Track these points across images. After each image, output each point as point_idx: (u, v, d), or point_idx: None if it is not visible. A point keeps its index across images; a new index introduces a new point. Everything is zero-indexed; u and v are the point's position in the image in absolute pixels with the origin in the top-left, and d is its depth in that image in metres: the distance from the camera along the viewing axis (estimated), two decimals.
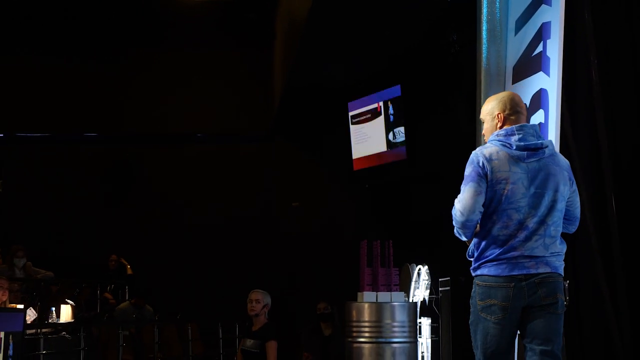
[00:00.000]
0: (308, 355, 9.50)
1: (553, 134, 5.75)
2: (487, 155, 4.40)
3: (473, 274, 4.46)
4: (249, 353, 7.62)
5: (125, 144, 15.52)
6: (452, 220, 4.44)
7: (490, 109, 4.63)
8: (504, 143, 4.44)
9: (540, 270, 4.33)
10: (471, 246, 4.47)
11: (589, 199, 6.06)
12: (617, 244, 6.00)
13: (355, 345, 6.86)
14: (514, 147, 4.42)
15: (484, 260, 4.40)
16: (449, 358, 7.74)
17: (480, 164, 4.38)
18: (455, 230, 4.46)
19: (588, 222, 6.03)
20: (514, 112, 4.58)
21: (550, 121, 5.81)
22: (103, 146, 15.59)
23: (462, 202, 4.36)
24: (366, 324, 6.84)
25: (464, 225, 4.39)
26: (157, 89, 15.29)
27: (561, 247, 4.43)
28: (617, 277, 5.98)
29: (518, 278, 4.33)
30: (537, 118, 6.01)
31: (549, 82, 5.91)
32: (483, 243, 4.41)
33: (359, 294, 7.06)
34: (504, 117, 4.56)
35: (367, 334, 6.83)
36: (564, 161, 4.55)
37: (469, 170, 4.41)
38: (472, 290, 4.44)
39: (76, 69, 15.27)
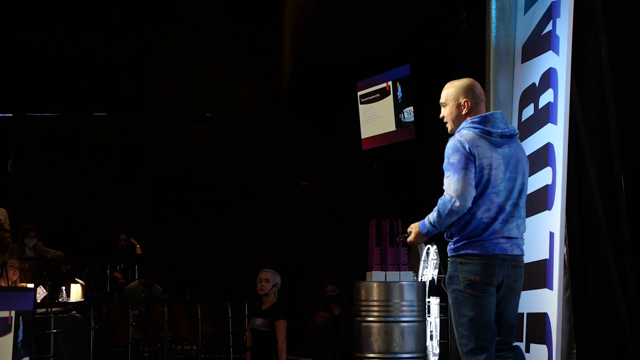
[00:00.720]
0: (322, 314, 9.50)
1: (562, 113, 5.73)
2: (470, 142, 4.53)
3: (454, 254, 4.61)
4: (258, 332, 7.65)
5: (135, 124, 15.53)
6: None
7: (454, 95, 4.73)
8: (482, 130, 4.59)
9: (515, 252, 4.70)
10: (453, 228, 4.60)
11: (598, 178, 6.04)
12: (626, 224, 5.98)
13: (364, 324, 6.86)
14: (494, 134, 4.61)
15: (468, 241, 4.57)
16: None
17: (468, 150, 4.51)
18: (438, 222, 4.56)
19: (597, 202, 6.01)
20: (479, 100, 4.74)
21: (559, 100, 5.79)
22: (112, 126, 15.60)
23: (459, 192, 4.46)
24: (375, 303, 6.84)
25: (458, 214, 4.51)
26: (167, 68, 15.29)
27: (524, 229, 4.78)
28: (627, 258, 5.96)
29: (501, 257, 4.61)
30: (546, 97, 5.99)
31: (559, 61, 5.89)
32: (467, 225, 4.57)
33: (367, 273, 7.06)
34: (471, 105, 4.69)
35: (375, 314, 6.83)
36: (522, 147, 4.88)
37: (456, 157, 4.51)
38: (451, 270, 4.61)
39: (86, 48, 15.28)
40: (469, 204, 4.49)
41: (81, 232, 14.57)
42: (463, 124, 4.68)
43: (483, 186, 4.54)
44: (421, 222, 4.67)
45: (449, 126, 4.80)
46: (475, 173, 4.51)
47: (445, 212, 4.49)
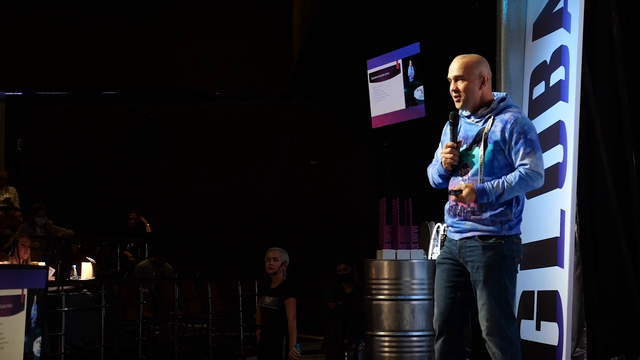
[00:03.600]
0: (334, 304, 9.54)
1: (574, 91, 5.72)
2: None
3: (511, 232, 4.44)
4: (268, 310, 7.66)
5: (144, 102, 15.55)
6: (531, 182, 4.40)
7: (476, 68, 4.54)
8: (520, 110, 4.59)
9: None
10: (510, 206, 4.44)
11: (609, 156, 6.04)
12: (637, 201, 5.99)
13: (375, 302, 6.88)
14: None
15: (520, 221, 4.51)
16: None
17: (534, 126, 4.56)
18: (506, 193, 4.39)
19: (607, 179, 6.01)
20: (491, 78, 4.64)
21: (570, 78, 5.77)
22: (122, 104, 15.63)
23: (543, 172, 4.43)
24: (385, 281, 6.86)
25: (541, 185, 4.48)
26: (176, 47, 15.29)
27: None
28: (637, 235, 5.96)
29: None
30: (557, 75, 5.98)
31: (570, 38, 5.86)
32: (523, 203, 4.53)
33: (378, 251, 7.07)
34: (489, 81, 4.59)
35: (386, 292, 6.84)
36: None
37: (534, 135, 4.49)
38: (506, 249, 4.42)
39: (96, 26, 15.28)
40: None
41: (91, 211, 14.61)
42: (508, 101, 4.57)
43: None
44: (481, 186, 4.41)
45: (462, 101, 4.55)
46: None
47: (527, 187, 4.39)
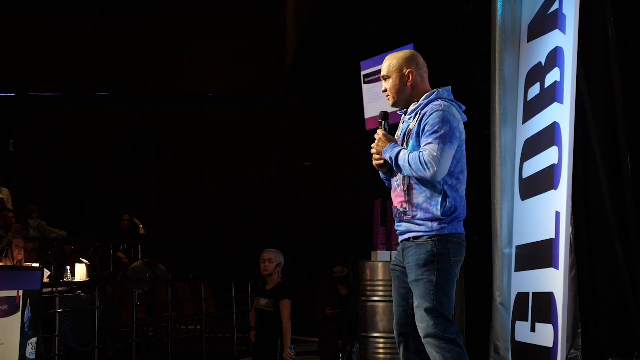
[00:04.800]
0: (332, 310, 9.53)
1: (569, 93, 5.71)
2: (456, 116, 4.43)
3: (444, 232, 4.36)
4: (263, 312, 7.65)
5: (139, 103, 15.54)
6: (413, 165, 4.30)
7: (398, 66, 4.51)
8: (456, 104, 4.51)
9: None
10: (438, 206, 4.35)
11: (604, 158, 6.03)
12: (632, 203, 5.97)
13: (370, 304, 6.89)
14: (462, 109, 4.55)
15: (455, 219, 4.41)
16: (462, 314, 7.76)
17: (455, 124, 4.39)
18: (400, 166, 4.35)
19: (602, 181, 6.01)
20: (424, 72, 4.60)
21: (566, 80, 5.76)
22: (116, 105, 15.61)
23: (442, 163, 4.27)
24: (380, 283, 6.87)
25: (425, 181, 4.34)
26: (172, 47, 15.30)
27: None
28: (632, 237, 5.96)
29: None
30: (552, 77, 5.97)
31: (565, 40, 5.85)
32: (455, 201, 4.40)
33: (372, 253, 7.08)
34: (415, 76, 4.53)
35: (381, 293, 6.85)
36: None
37: (448, 128, 4.33)
38: (437, 247, 4.34)
39: (90, 27, 15.29)
40: (437, 180, 4.33)
41: (84, 212, 14.60)
42: (436, 94, 4.47)
43: (463, 162, 4.48)
44: (393, 145, 4.43)
45: (392, 99, 4.55)
46: (458, 148, 4.39)
47: (415, 169, 4.29)
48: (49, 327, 7.44)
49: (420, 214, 4.39)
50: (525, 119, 6.54)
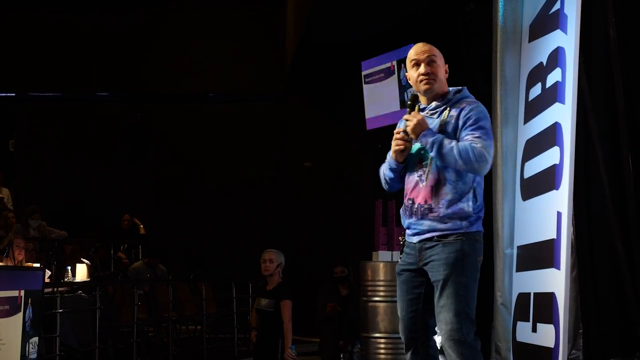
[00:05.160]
0: (334, 305, 9.51)
1: (570, 93, 5.71)
2: None
3: (471, 230, 4.21)
4: (264, 312, 7.65)
5: (139, 103, 15.53)
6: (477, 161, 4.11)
7: (442, 57, 4.41)
8: None
9: None
10: (469, 202, 4.20)
11: (605, 158, 6.03)
12: (633, 203, 5.97)
13: (371, 304, 6.89)
14: None
15: (480, 218, 4.29)
16: None
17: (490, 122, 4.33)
18: (447, 156, 4.13)
19: (604, 181, 6.01)
20: None
21: (567, 80, 5.76)
22: (116, 105, 15.60)
23: (490, 159, 4.16)
24: (381, 283, 6.86)
25: (458, 176, 4.20)
26: (172, 47, 15.30)
27: None
28: (633, 237, 5.96)
29: None
30: (554, 77, 5.97)
31: (567, 40, 5.85)
32: (482, 200, 4.30)
33: (374, 253, 7.08)
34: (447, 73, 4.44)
35: (382, 293, 6.85)
36: None
37: (488, 125, 4.24)
38: (466, 247, 4.18)
39: (91, 26, 15.28)
40: (483, 175, 4.26)
41: (84, 212, 14.59)
42: (464, 92, 4.36)
43: None
44: (432, 131, 4.21)
45: (431, 84, 4.31)
46: None
47: (461, 162, 4.10)
48: (50, 327, 7.44)
49: (449, 211, 4.19)
50: (527, 119, 6.54)
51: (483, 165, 4.12)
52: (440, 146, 4.14)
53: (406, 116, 4.30)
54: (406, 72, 4.45)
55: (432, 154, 4.20)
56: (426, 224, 4.25)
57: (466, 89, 4.41)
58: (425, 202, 4.24)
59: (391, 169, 4.38)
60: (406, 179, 4.37)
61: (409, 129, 4.25)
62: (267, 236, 12.87)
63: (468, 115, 4.21)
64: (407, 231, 4.39)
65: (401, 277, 4.38)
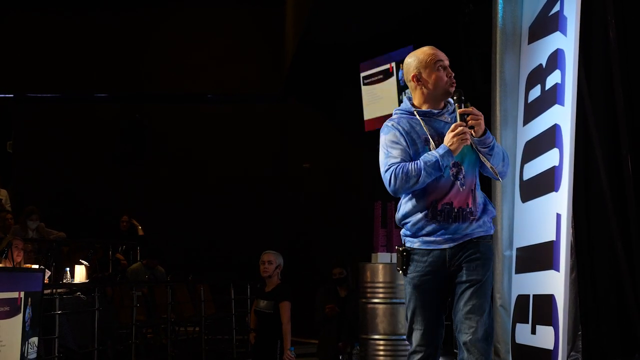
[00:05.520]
0: (332, 307, 9.51)
1: (570, 95, 5.71)
2: None
3: (492, 231, 4.30)
4: (262, 314, 7.65)
5: (137, 104, 15.51)
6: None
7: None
8: None
9: None
10: (488, 204, 4.27)
11: (605, 160, 6.03)
12: (633, 205, 5.97)
13: (370, 306, 6.89)
14: None
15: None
16: None
17: None
18: (494, 155, 4.17)
19: (603, 183, 6.01)
20: None
21: (567, 82, 5.76)
22: (114, 106, 15.59)
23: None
24: (380, 285, 6.86)
25: (505, 175, 4.34)
26: (170, 48, 15.29)
27: None
28: (633, 238, 5.96)
29: None
30: (553, 79, 5.97)
31: (566, 42, 5.85)
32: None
33: (373, 255, 7.07)
34: None
35: (381, 295, 6.85)
36: None
37: None
38: (489, 252, 4.23)
39: (88, 27, 15.27)
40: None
41: (83, 213, 14.56)
42: None
43: None
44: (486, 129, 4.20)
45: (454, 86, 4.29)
46: None
47: (504, 164, 4.22)
48: (49, 329, 7.44)
49: (485, 214, 4.24)
50: (526, 121, 6.54)
51: (509, 167, 4.26)
52: (492, 149, 4.17)
53: (464, 110, 4.16)
54: (415, 71, 4.29)
55: (484, 151, 4.17)
56: (468, 227, 4.20)
57: None
58: (467, 205, 4.20)
59: (440, 167, 4.13)
60: (441, 183, 4.20)
61: (475, 123, 4.13)
62: (266, 237, 12.86)
63: None
64: (431, 238, 4.23)
65: (423, 287, 4.24)
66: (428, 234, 4.21)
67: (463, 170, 4.21)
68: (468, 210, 4.20)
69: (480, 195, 4.26)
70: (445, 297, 4.26)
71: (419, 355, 4.27)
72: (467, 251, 4.19)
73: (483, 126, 4.16)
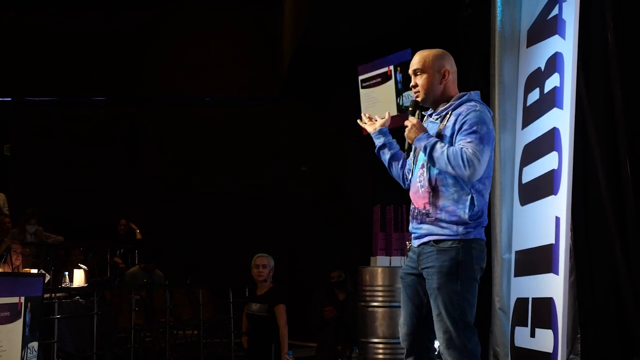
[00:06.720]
0: (331, 309, 9.49)
1: (569, 98, 5.72)
2: (490, 120, 4.24)
3: (469, 237, 4.16)
4: (256, 317, 7.63)
5: (135, 107, 15.52)
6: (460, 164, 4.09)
7: (435, 62, 4.32)
8: (486, 108, 4.30)
9: None
10: (465, 209, 4.16)
11: (603, 163, 6.04)
12: (631, 206, 5.97)
13: (369, 309, 6.88)
14: (490, 115, 4.32)
15: (480, 225, 4.22)
16: None
17: (491, 127, 4.22)
18: (434, 158, 4.15)
19: (602, 186, 6.01)
20: (455, 72, 4.41)
21: (565, 85, 5.77)
22: (112, 109, 15.60)
23: (481, 164, 4.09)
24: (379, 288, 6.86)
25: (453, 181, 4.18)
26: (167, 51, 15.30)
27: None
28: (632, 241, 5.96)
29: None
30: (552, 82, 5.99)
31: (565, 45, 5.87)
32: (482, 206, 4.23)
33: (372, 258, 7.07)
34: (450, 76, 4.35)
35: (380, 299, 6.84)
36: None
37: (486, 129, 4.16)
38: (461, 254, 4.15)
39: (86, 31, 15.26)
40: (473, 181, 4.17)
41: (81, 217, 14.54)
42: (468, 96, 4.30)
43: (491, 167, 4.27)
44: (427, 135, 4.23)
45: (421, 95, 4.32)
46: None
47: (451, 166, 4.09)
48: (48, 333, 7.43)
49: (445, 216, 4.18)
50: (525, 124, 6.55)
51: (472, 171, 4.07)
52: (432, 150, 4.16)
53: (406, 121, 4.33)
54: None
55: (425, 158, 4.23)
56: (424, 228, 4.25)
57: (474, 93, 4.37)
58: (424, 207, 4.26)
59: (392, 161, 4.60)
60: (411, 183, 4.41)
61: (405, 133, 4.31)
62: (264, 241, 12.82)
63: (464, 120, 4.17)
64: (412, 235, 4.40)
65: (404, 281, 4.36)
66: (410, 232, 4.41)
67: (424, 173, 4.29)
68: (424, 211, 4.26)
69: (445, 198, 4.21)
70: (424, 296, 4.26)
71: (404, 357, 4.33)
72: (426, 256, 4.23)
73: (411, 135, 4.28)
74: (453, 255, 4.14)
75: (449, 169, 4.12)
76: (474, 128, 4.13)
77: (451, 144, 4.18)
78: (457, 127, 4.19)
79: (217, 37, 15.38)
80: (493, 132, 4.23)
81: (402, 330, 4.35)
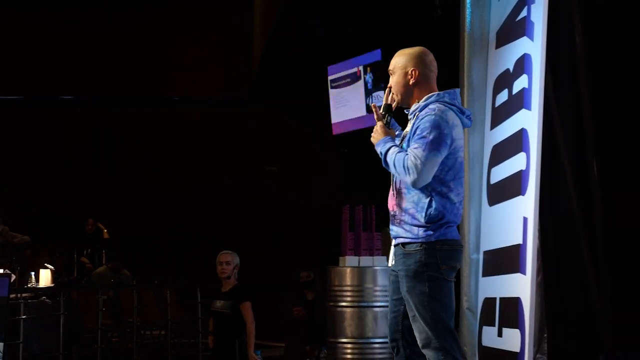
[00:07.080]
0: (299, 309, 9.47)
1: (537, 99, 5.75)
2: (450, 122, 4.18)
3: (430, 239, 4.15)
4: (220, 314, 7.60)
5: (104, 107, 15.43)
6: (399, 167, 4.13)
7: (403, 63, 4.33)
8: (458, 108, 4.29)
9: None
10: (424, 213, 4.16)
11: (571, 164, 6.07)
12: (599, 207, 6.02)
13: (337, 309, 6.88)
14: (465, 115, 4.33)
15: (444, 225, 4.19)
16: None
17: (447, 130, 4.15)
18: (386, 163, 4.23)
19: (569, 187, 6.05)
20: (429, 71, 4.40)
21: (534, 86, 5.80)
22: (81, 109, 15.49)
23: (423, 170, 4.07)
24: (348, 288, 6.86)
25: (410, 184, 4.16)
26: (139, 51, 15.23)
27: None
28: (599, 242, 6.01)
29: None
30: (520, 83, 6.01)
31: (533, 47, 5.89)
32: (443, 207, 4.19)
33: (340, 258, 7.07)
34: (419, 75, 4.33)
35: (349, 299, 6.84)
36: None
37: (436, 134, 4.11)
38: (425, 256, 4.15)
39: (56, 30, 15.19)
40: (419, 187, 4.16)
41: (47, 216, 14.43)
42: (435, 97, 4.26)
43: (456, 170, 4.23)
44: (388, 138, 4.28)
45: (395, 96, 4.37)
46: (449, 155, 4.17)
47: (397, 173, 4.18)
48: (14, 334, 7.36)
49: (407, 219, 4.22)
50: (493, 125, 6.57)
51: (413, 177, 4.09)
52: (385, 155, 4.24)
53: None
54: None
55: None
56: (394, 230, 4.31)
57: (449, 92, 4.35)
58: (393, 209, 4.32)
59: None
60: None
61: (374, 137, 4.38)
62: (233, 240, 12.76)
63: (417, 125, 4.19)
64: None
65: (391, 276, 4.42)
66: None
67: (393, 175, 4.34)
68: (393, 213, 4.33)
69: (407, 201, 4.24)
70: (401, 297, 4.28)
71: (390, 349, 4.42)
72: (397, 259, 4.30)
73: (373, 139, 4.35)
74: (417, 258, 4.17)
75: (397, 175, 4.23)
76: (424, 133, 4.12)
77: (409, 146, 4.20)
78: (413, 131, 4.22)
79: (188, 38, 15.37)
80: (448, 135, 4.16)
81: (388, 319, 4.44)
